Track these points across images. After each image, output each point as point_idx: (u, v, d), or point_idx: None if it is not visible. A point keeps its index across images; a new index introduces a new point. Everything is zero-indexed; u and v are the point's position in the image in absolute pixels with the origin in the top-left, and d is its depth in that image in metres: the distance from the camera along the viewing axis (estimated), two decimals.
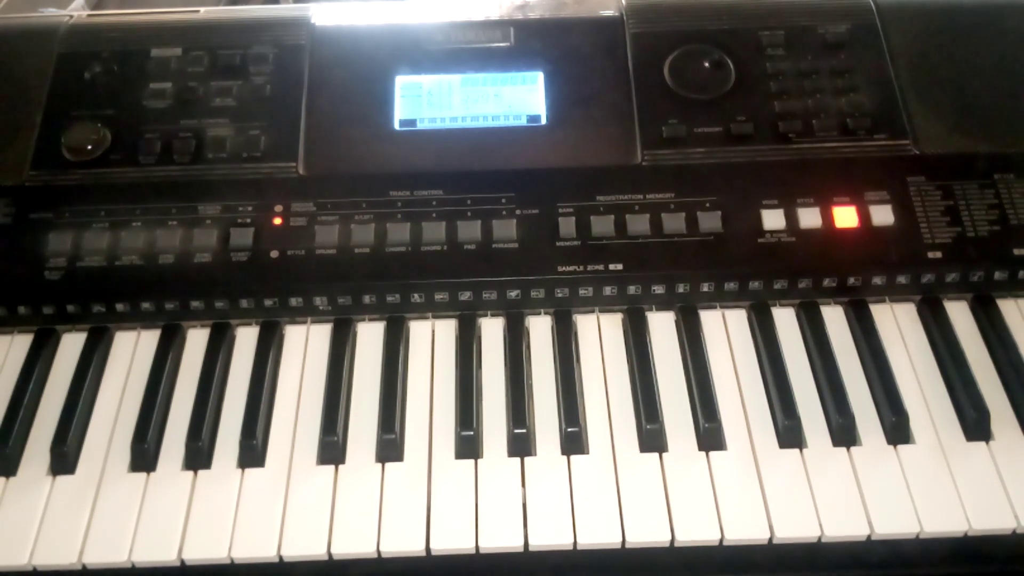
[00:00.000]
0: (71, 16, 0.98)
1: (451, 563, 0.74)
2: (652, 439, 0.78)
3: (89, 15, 1.00)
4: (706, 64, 0.93)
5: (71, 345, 0.86)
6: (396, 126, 0.91)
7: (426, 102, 0.92)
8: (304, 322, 0.87)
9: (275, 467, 0.78)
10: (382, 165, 0.89)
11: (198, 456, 0.78)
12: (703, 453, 0.77)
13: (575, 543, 0.73)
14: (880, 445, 0.77)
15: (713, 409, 0.79)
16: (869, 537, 0.73)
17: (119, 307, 0.85)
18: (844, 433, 0.78)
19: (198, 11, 0.99)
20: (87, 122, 0.90)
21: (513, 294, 0.85)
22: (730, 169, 0.88)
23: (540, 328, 0.86)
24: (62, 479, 0.78)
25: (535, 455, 0.77)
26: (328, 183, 0.88)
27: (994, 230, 0.85)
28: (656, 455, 0.77)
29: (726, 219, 0.85)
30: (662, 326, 0.86)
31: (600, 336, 0.85)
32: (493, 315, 0.87)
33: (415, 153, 0.90)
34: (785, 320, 0.86)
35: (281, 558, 0.73)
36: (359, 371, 0.83)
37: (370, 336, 0.86)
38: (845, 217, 0.86)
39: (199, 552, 0.73)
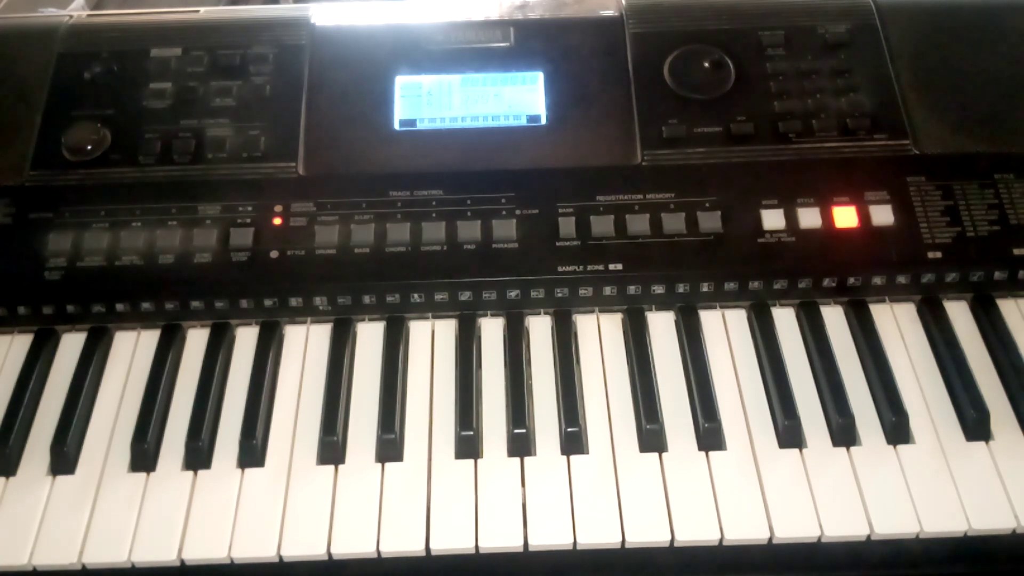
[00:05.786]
0: (71, 16, 0.98)
1: (451, 563, 0.74)
2: (652, 439, 0.78)
3: (89, 15, 1.00)
4: (706, 64, 0.93)
5: (71, 345, 0.86)
6: (396, 126, 0.91)
7: (426, 102, 0.92)
8: (304, 322, 0.87)
9: (275, 467, 0.78)
10: (382, 165, 0.89)
11: (198, 456, 0.78)
12: (703, 453, 0.77)
13: (575, 543, 0.73)
14: (880, 445, 0.78)
15: (713, 409, 0.79)
16: (869, 537, 0.73)
17: (119, 307, 0.85)
18: (844, 433, 0.78)
19: (198, 11, 1.00)
20: (87, 122, 0.90)
21: (513, 294, 0.85)
22: (730, 169, 0.88)
23: (540, 328, 0.86)
24: (62, 479, 0.78)
25: (535, 455, 0.77)
26: (328, 183, 0.88)
27: (994, 230, 0.85)
28: (656, 455, 0.77)
29: (726, 219, 0.85)
30: (662, 326, 0.86)
31: (600, 336, 0.85)
32: (493, 315, 0.87)
33: (415, 153, 0.90)
34: (785, 320, 0.86)
35: (281, 558, 0.73)
36: (359, 371, 0.83)
37: (370, 336, 0.86)
38: (845, 217, 0.85)
39: (199, 552, 0.73)
